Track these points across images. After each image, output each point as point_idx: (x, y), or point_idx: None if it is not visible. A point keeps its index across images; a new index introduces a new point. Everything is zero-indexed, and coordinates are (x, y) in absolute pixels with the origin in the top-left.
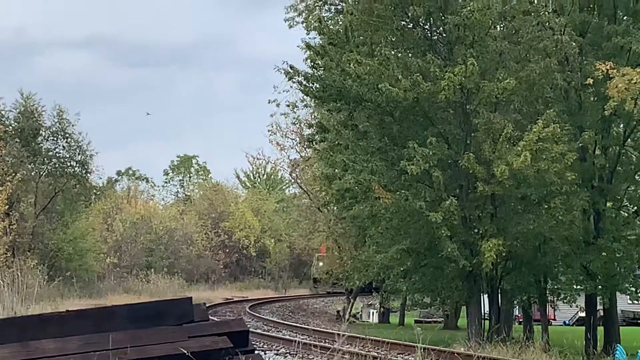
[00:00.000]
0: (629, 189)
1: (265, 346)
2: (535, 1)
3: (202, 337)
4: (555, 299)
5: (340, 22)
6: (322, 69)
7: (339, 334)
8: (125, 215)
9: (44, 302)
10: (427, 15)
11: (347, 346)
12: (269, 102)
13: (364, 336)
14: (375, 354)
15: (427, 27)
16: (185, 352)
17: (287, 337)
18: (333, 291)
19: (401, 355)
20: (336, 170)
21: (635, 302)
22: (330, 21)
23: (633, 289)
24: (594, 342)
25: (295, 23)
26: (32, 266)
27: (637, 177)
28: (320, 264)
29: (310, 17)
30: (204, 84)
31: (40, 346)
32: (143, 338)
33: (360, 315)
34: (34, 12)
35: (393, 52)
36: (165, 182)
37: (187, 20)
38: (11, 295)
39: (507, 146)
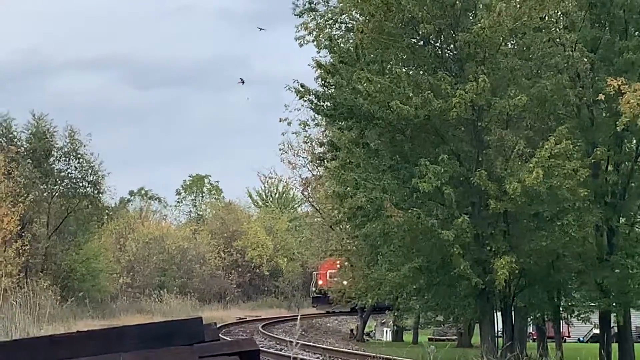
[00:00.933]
0: None
1: None
2: (546, 18)
3: (213, 357)
4: (569, 316)
5: (351, 40)
6: (333, 87)
7: (348, 352)
8: (138, 235)
9: (56, 322)
10: (438, 32)
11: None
12: (280, 121)
13: (374, 354)
14: None
15: (437, 44)
16: None
17: (300, 356)
18: (334, 311)
19: None
20: (348, 188)
21: None
22: (340, 39)
23: None
24: (608, 359)
25: (305, 42)
26: (44, 287)
27: None
28: (320, 281)
29: (321, 35)
30: (216, 104)
31: None
32: (153, 359)
33: (374, 333)
34: (46, 34)
35: (404, 70)
36: (178, 202)
37: (199, 41)
38: (24, 316)
39: (519, 163)
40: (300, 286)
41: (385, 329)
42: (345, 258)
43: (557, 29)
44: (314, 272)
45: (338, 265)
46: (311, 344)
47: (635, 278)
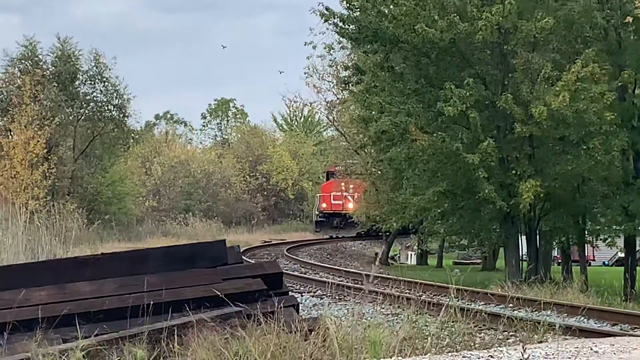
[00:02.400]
0: None
1: (302, 288)
2: None
3: (235, 280)
4: (594, 239)
5: None
6: (358, 10)
7: (367, 275)
8: (164, 159)
9: (83, 245)
10: None
11: (383, 288)
12: (305, 44)
13: (395, 277)
14: (408, 295)
15: None
16: (219, 294)
17: (324, 279)
18: (337, 236)
19: (436, 296)
20: (373, 112)
21: None
22: None
23: None
24: (632, 282)
25: None
26: (71, 210)
27: None
28: (324, 204)
29: None
30: (240, 29)
31: (75, 288)
32: (177, 280)
33: (399, 257)
34: None
35: None
36: (203, 126)
37: None
38: (50, 239)
39: (546, 86)
40: None
41: (410, 252)
42: (370, 182)
43: None
44: (316, 195)
45: (343, 186)
46: (336, 267)
47: None
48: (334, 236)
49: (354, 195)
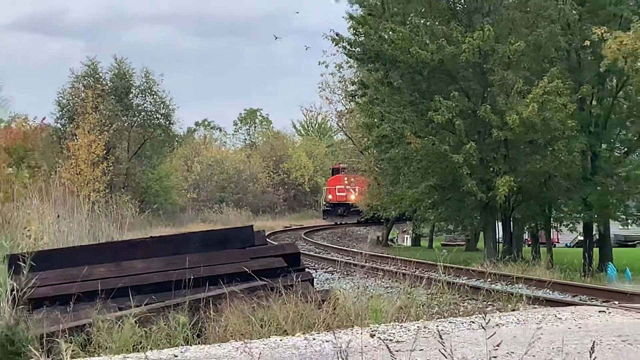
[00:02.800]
0: (620, 133)
1: (316, 265)
2: None
3: (261, 258)
4: (558, 225)
5: None
6: (363, 35)
7: (361, 253)
8: (202, 159)
9: (135, 230)
10: None
11: (383, 265)
12: (319, 64)
13: (393, 256)
14: (404, 271)
15: None
16: (248, 270)
17: (334, 258)
18: (341, 222)
19: (427, 272)
20: (375, 120)
21: (626, 227)
22: None
23: (623, 217)
24: (590, 260)
25: None
26: (126, 200)
27: (627, 124)
28: (330, 196)
29: None
30: (264, 52)
31: (129, 265)
32: (213, 259)
33: (397, 239)
34: None
35: (422, 21)
36: (235, 131)
37: None
38: (109, 225)
39: (518, 99)
40: None
41: (405, 235)
42: (372, 177)
43: None
44: (324, 188)
45: (346, 181)
46: (345, 248)
47: (613, 194)
48: (339, 222)
49: (355, 188)
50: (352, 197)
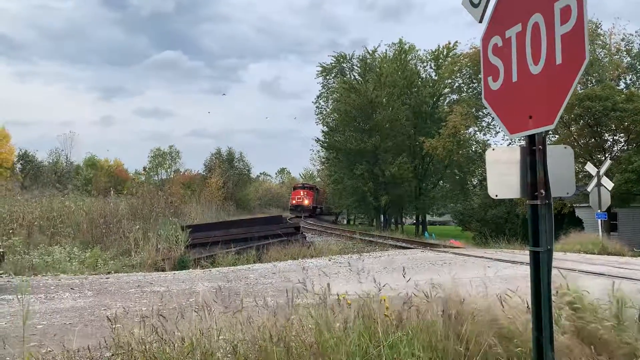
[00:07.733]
0: (432, 178)
1: (307, 232)
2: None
3: (284, 228)
4: (406, 216)
5: (334, 119)
6: (328, 137)
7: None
8: (260, 188)
9: (233, 216)
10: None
11: (336, 231)
12: (310, 151)
13: (339, 228)
14: (343, 234)
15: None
16: (280, 232)
17: (315, 228)
18: (300, 216)
19: (352, 235)
20: (332, 173)
21: (434, 216)
22: (330, 117)
23: (431, 212)
24: (417, 230)
25: (317, 121)
26: (230, 204)
27: (433, 175)
28: (293, 201)
29: (322, 118)
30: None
31: (231, 231)
32: (266, 228)
33: (341, 221)
34: None
35: (352, 133)
36: (277, 175)
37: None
38: (222, 214)
39: (390, 165)
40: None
41: (343, 218)
42: (328, 191)
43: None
44: (289, 197)
45: (302, 192)
46: (317, 223)
47: (427, 204)
48: (300, 216)
49: (307, 197)
50: (306, 202)
